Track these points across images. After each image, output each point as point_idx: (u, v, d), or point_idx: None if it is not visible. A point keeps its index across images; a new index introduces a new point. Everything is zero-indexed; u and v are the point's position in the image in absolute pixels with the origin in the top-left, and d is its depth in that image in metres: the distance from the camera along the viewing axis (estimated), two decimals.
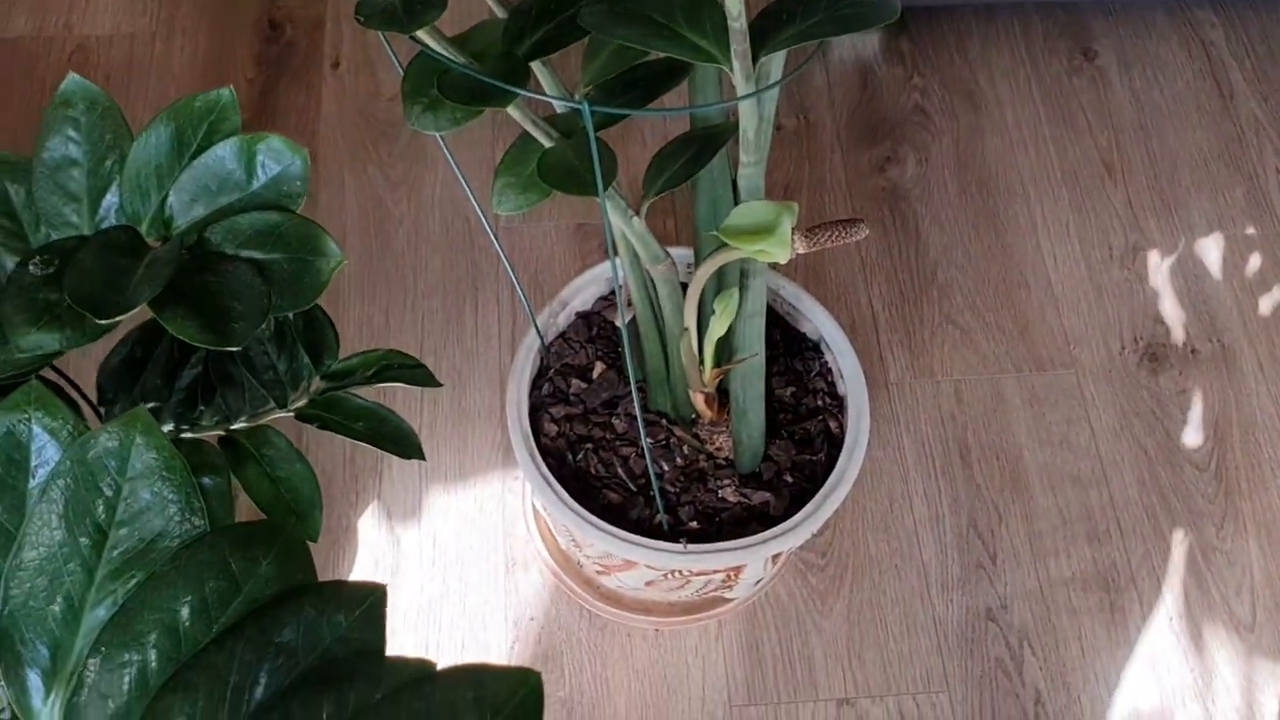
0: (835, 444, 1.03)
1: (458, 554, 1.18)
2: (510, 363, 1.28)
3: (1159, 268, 1.36)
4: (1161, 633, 1.15)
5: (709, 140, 0.82)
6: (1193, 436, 1.25)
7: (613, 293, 1.11)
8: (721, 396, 0.98)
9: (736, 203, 0.93)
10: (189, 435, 0.62)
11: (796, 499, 1.00)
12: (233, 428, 0.63)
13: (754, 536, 0.95)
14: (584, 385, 1.07)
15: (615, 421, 1.05)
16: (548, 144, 0.79)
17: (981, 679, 1.12)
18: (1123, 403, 1.27)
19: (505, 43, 0.72)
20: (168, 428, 0.60)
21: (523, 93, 0.67)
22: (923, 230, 1.38)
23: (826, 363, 1.08)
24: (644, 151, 1.41)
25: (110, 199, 0.51)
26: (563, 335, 1.10)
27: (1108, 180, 1.42)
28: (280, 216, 0.48)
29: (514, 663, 1.13)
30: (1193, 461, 1.24)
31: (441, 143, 0.84)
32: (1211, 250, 1.37)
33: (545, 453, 1.01)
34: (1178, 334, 1.32)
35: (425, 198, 1.40)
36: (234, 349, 0.46)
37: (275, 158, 0.50)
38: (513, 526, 1.19)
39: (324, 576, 0.60)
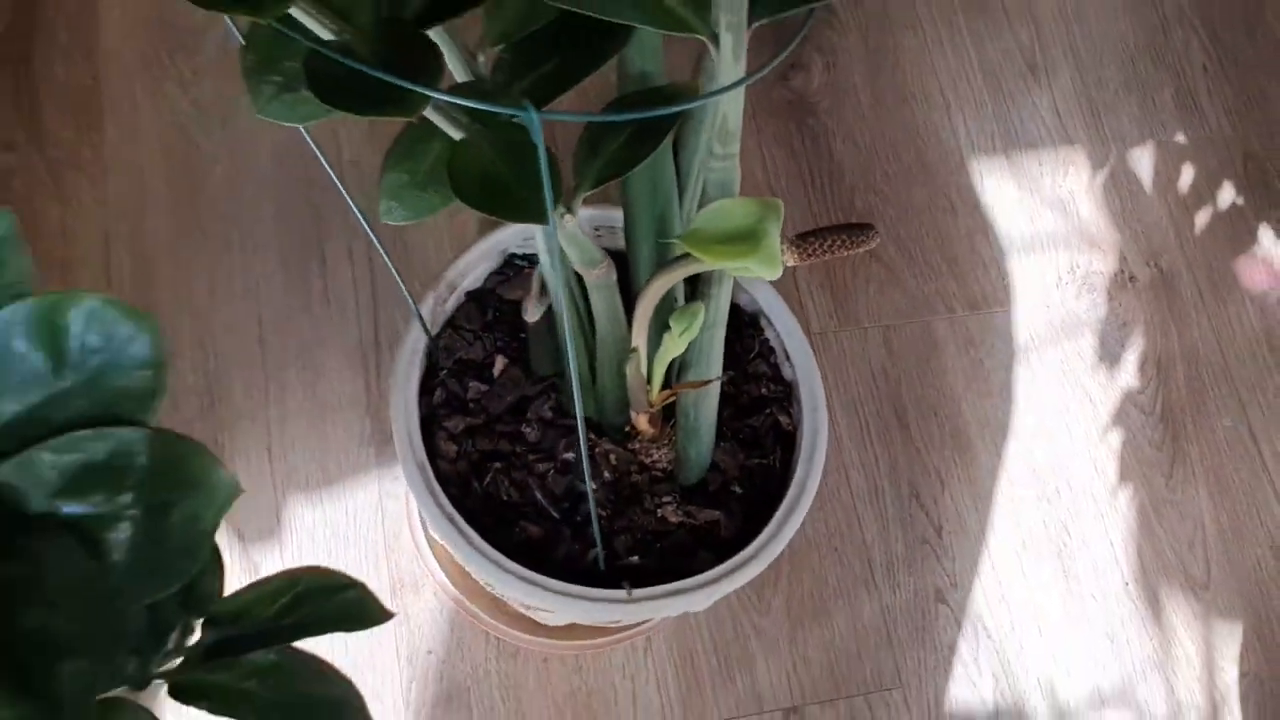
0: (787, 442, 0.88)
1: None
2: (376, 345, 1.07)
3: (1092, 183, 1.24)
4: (1119, 601, 1.06)
5: (654, 105, 0.63)
6: (1136, 376, 1.15)
7: (507, 264, 0.91)
8: (665, 410, 0.80)
9: (682, 193, 0.74)
10: None
11: (749, 515, 0.85)
12: None
13: (709, 574, 0.79)
14: (484, 388, 0.88)
15: (526, 430, 0.87)
16: (456, 135, 0.58)
17: (935, 670, 1.02)
18: (1063, 342, 1.16)
19: None
20: None
21: (436, 95, 0.46)
22: (836, 150, 1.21)
23: (768, 341, 0.91)
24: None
25: None
26: (451, 323, 0.89)
27: (1032, 81, 1.28)
28: (125, 436, 0.27)
29: (411, 706, 0.95)
30: (1138, 404, 1.14)
31: (306, 135, 0.62)
32: (1144, 161, 1.25)
33: (444, 480, 0.82)
34: (1114, 259, 1.21)
35: (245, 126, 1.13)
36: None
37: (101, 330, 0.28)
38: (396, 539, 1.00)
39: None
